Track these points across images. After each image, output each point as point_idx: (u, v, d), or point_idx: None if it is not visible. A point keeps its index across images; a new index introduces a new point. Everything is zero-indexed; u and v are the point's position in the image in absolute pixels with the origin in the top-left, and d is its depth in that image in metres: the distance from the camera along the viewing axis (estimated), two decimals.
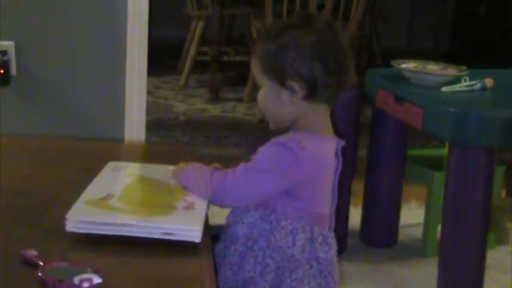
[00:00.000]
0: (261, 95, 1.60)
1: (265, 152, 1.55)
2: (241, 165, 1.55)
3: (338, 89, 1.58)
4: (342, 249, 2.98)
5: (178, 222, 1.42)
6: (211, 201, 1.54)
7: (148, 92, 3.30)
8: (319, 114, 1.59)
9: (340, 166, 1.62)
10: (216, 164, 1.67)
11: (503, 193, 3.37)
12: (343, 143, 1.62)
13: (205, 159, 1.70)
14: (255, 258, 1.55)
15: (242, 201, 1.55)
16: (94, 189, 1.54)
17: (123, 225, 1.39)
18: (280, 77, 1.55)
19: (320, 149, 1.56)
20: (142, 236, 1.38)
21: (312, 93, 1.55)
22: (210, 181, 1.53)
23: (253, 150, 1.58)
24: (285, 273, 1.55)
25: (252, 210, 1.56)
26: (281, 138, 1.55)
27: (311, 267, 1.57)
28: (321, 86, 1.55)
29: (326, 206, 1.61)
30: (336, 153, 1.61)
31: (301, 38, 1.54)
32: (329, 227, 1.62)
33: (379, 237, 3.11)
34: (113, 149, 2.11)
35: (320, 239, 1.58)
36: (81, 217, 1.40)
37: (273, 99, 1.57)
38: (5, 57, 2.55)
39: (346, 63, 1.58)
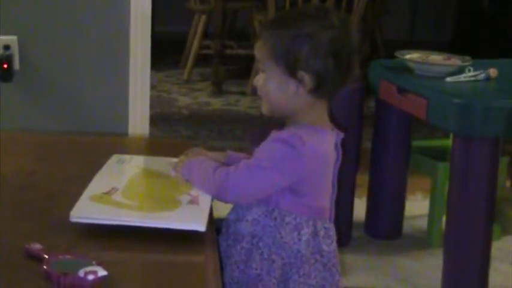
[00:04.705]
0: (262, 81, 1.57)
1: (267, 148, 1.54)
2: (243, 162, 1.54)
3: (342, 86, 1.58)
4: (346, 241, 3.00)
5: (182, 219, 1.41)
6: (214, 197, 1.54)
7: (152, 86, 3.30)
8: (319, 108, 1.58)
9: (340, 158, 1.62)
10: (229, 151, 1.68)
11: (507, 184, 3.37)
12: (342, 135, 1.62)
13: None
14: (261, 256, 1.55)
15: (245, 197, 1.55)
16: (98, 183, 1.54)
17: (127, 222, 1.39)
18: (291, 66, 1.53)
19: (321, 143, 1.56)
20: (147, 229, 1.38)
21: (318, 88, 1.54)
22: (212, 177, 1.53)
23: (257, 143, 1.58)
24: (292, 269, 1.55)
25: (254, 207, 1.55)
26: (283, 134, 1.54)
27: (316, 261, 1.57)
28: (328, 82, 1.55)
29: (327, 199, 1.61)
30: (336, 146, 1.61)
31: (318, 32, 1.53)
32: (329, 218, 1.62)
33: (384, 228, 3.11)
34: (117, 143, 2.11)
35: (322, 232, 1.58)
36: (86, 214, 1.40)
37: (278, 87, 1.55)
38: (8, 52, 2.55)
39: (354, 61, 1.58)
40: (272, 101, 1.57)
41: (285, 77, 1.54)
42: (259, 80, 1.58)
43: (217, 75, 5.05)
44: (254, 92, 1.61)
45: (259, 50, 1.57)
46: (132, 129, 2.68)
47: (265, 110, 1.59)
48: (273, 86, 1.56)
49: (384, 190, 3.08)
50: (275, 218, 1.54)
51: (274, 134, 1.55)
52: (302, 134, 1.51)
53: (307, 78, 1.53)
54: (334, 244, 1.60)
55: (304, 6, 1.53)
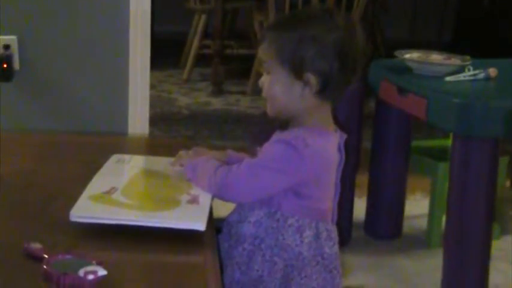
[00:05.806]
0: (267, 82, 1.56)
1: (270, 149, 1.54)
2: (246, 161, 1.54)
3: (346, 86, 1.58)
4: (346, 241, 3.00)
5: (182, 218, 1.41)
6: (215, 197, 1.54)
7: (152, 86, 3.30)
8: (324, 110, 1.58)
9: (343, 160, 1.62)
10: (229, 151, 1.68)
11: (507, 183, 3.37)
12: (345, 136, 1.61)
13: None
14: (263, 257, 1.54)
15: (245, 197, 1.55)
16: (98, 183, 1.54)
17: (127, 221, 1.39)
18: (297, 68, 1.53)
19: (324, 145, 1.55)
20: (147, 228, 1.38)
21: (324, 89, 1.54)
22: (214, 176, 1.52)
23: (258, 143, 1.58)
24: (294, 272, 1.55)
25: (257, 209, 1.55)
26: (286, 135, 1.54)
27: (317, 263, 1.57)
28: (334, 83, 1.54)
29: (330, 201, 1.60)
30: (339, 147, 1.60)
31: (324, 34, 1.52)
32: (332, 220, 1.61)
33: (384, 228, 3.11)
34: (117, 143, 2.10)
35: (325, 234, 1.57)
36: (85, 213, 1.40)
37: (283, 89, 1.55)
38: (7, 52, 2.55)
39: (359, 63, 1.57)
40: (277, 103, 1.57)
41: (291, 79, 1.54)
42: (264, 81, 1.58)
43: (217, 75, 5.05)
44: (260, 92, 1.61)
45: (264, 52, 1.57)
46: (132, 129, 2.68)
47: (269, 111, 1.59)
48: (278, 88, 1.55)
49: (384, 190, 3.08)
50: (277, 220, 1.54)
51: (277, 135, 1.55)
52: (305, 136, 1.51)
53: (313, 80, 1.53)
54: (336, 246, 1.60)
55: (309, 7, 1.53)
